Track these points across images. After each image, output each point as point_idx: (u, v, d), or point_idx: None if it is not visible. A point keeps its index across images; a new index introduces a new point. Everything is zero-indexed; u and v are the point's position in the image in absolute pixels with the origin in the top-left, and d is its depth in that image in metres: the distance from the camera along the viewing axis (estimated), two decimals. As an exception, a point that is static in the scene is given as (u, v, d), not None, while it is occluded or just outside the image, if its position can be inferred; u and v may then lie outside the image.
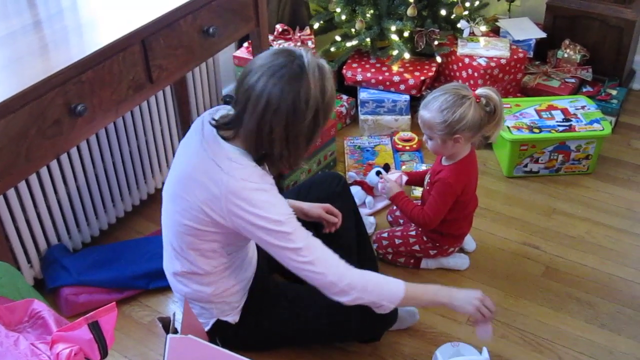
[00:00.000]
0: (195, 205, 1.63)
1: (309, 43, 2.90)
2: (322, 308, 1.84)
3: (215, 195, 1.59)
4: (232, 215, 1.60)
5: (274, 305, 1.88)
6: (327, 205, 2.04)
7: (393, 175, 2.27)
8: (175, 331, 1.77)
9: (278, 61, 1.53)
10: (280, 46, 1.57)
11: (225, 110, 1.71)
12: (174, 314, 1.74)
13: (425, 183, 2.23)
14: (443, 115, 1.96)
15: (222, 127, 1.64)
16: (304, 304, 1.89)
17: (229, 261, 1.77)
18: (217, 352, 1.43)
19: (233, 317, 1.85)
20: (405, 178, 2.27)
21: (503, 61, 2.90)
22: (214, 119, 1.66)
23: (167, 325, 1.77)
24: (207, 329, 1.85)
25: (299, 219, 1.66)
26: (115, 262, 2.26)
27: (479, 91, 1.98)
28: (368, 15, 2.95)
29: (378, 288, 1.71)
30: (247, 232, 1.63)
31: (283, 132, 1.55)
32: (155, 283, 2.20)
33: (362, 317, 1.84)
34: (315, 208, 2.03)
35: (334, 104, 1.66)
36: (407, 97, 2.93)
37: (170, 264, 1.82)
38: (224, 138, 1.63)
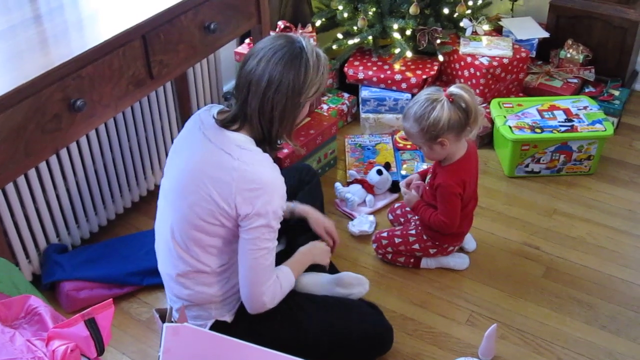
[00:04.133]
0: (205, 196, 1.63)
1: (311, 41, 2.89)
2: (322, 321, 1.85)
3: (226, 182, 1.60)
4: (238, 201, 1.60)
5: (271, 311, 1.81)
6: (331, 227, 2.11)
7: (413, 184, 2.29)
8: (172, 322, 1.76)
9: (278, 42, 1.62)
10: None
11: (218, 107, 1.74)
12: (170, 307, 1.73)
13: (426, 182, 2.22)
14: (419, 123, 1.99)
15: (227, 123, 1.67)
16: (303, 315, 1.86)
17: (227, 263, 1.75)
18: (213, 337, 1.43)
19: (229, 317, 1.83)
20: (419, 183, 2.29)
21: (505, 60, 2.89)
22: (215, 117, 1.68)
23: (163, 316, 1.76)
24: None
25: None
26: (109, 258, 2.25)
27: (450, 90, 1.98)
28: (370, 13, 2.94)
29: (285, 291, 1.80)
30: (243, 218, 1.63)
31: (283, 110, 1.62)
32: (149, 280, 2.19)
33: (363, 336, 1.87)
34: (321, 220, 2.11)
35: (325, 82, 1.73)
36: (409, 95, 2.92)
37: (171, 266, 1.77)
38: (228, 129, 1.66)
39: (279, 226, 1.68)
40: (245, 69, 1.62)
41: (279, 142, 1.72)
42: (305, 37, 1.66)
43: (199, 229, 1.67)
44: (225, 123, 1.67)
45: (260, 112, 1.62)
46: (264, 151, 1.70)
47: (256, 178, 1.60)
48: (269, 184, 1.62)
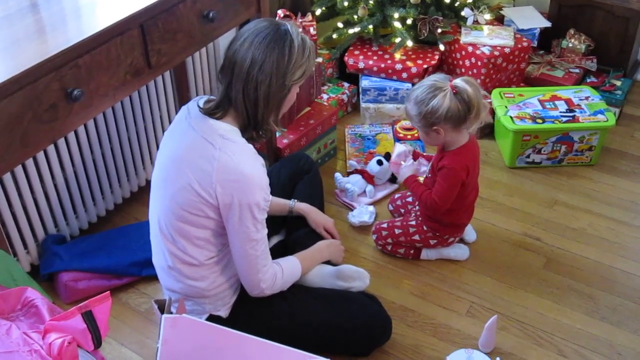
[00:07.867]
0: (186, 185, 1.63)
1: (311, 30, 2.86)
2: (321, 314, 1.85)
3: (206, 171, 1.60)
4: (218, 191, 1.60)
5: (269, 305, 1.84)
6: (330, 225, 2.14)
7: (403, 155, 2.29)
8: (171, 313, 1.76)
9: (262, 24, 1.62)
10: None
11: (207, 97, 1.74)
12: (170, 298, 1.72)
13: (428, 170, 2.22)
14: (418, 107, 1.99)
15: (211, 110, 1.66)
16: (302, 308, 1.86)
17: (217, 256, 1.75)
18: (212, 328, 1.42)
19: (224, 312, 1.83)
20: (410, 149, 2.31)
21: (507, 50, 2.87)
22: (199, 106, 1.68)
23: (162, 307, 1.75)
24: None
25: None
26: (108, 248, 2.25)
27: (455, 82, 1.97)
28: (371, 1, 2.92)
29: (288, 280, 1.85)
30: (224, 208, 1.63)
31: (268, 91, 1.60)
32: (147, 270, 2.18)
33: (362, 328, 1.88)
34: (320, 220, 2.14)
35: (312, 67, 1.71)
36: (409, 85, 2.90)
37: (162, 258, 1.78)
38: (213, 117, 1.65)
39: (263, 217, 1.67)
40: (229, 51, 1.63)
41: (265, 127, 1.70)
42: (292, 23, 1.66)
43: (182, 219, 1.67)
44: (210, 111, 1.66)
45: (245, 93, 1.61)
46: (250, 139, 1.69)
47: (237, 169, 1.60)
48: (248, 176, 1.60)
